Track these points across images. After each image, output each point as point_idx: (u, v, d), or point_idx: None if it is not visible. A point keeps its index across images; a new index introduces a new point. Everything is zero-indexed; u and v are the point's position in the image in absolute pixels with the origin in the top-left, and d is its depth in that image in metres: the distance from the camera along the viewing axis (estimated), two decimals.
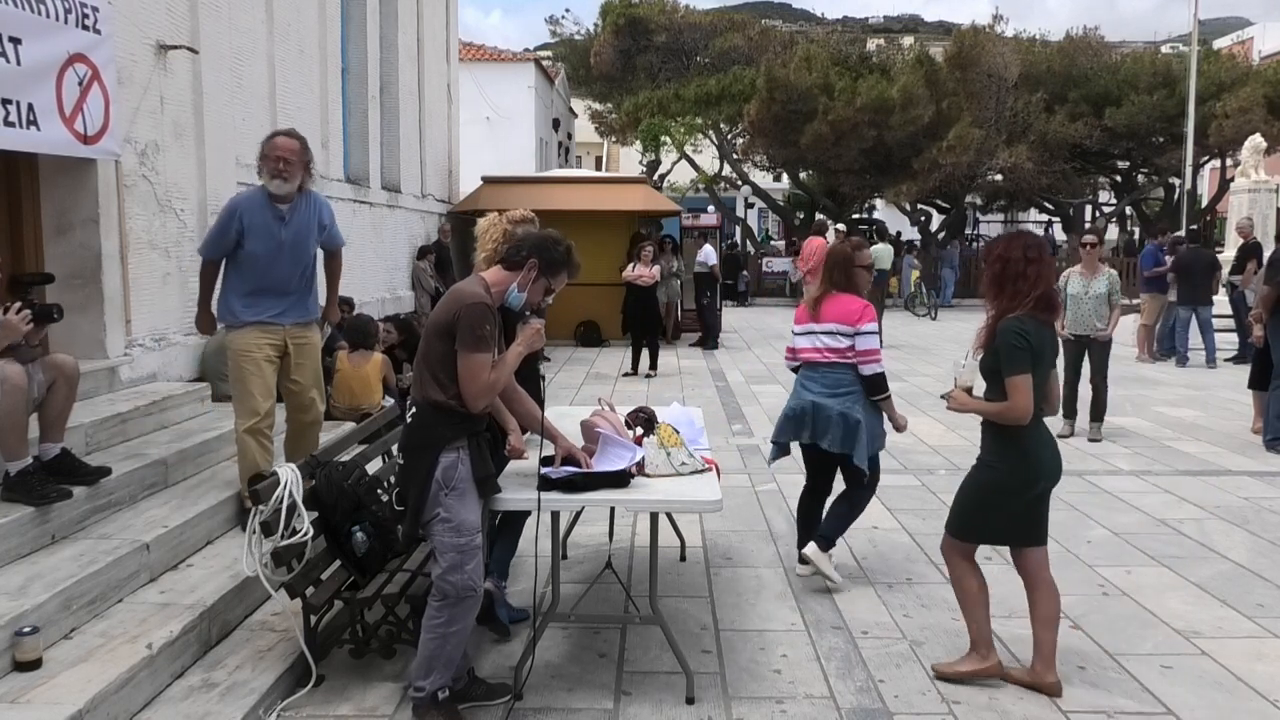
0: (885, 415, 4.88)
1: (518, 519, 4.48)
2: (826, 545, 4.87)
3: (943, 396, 3.95)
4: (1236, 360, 13.15)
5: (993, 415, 3.74)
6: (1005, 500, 3.80)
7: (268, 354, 4.95)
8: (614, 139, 32.75)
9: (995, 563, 5.34)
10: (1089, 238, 8.55)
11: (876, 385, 4.76)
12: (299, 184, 4.93)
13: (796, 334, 4.94)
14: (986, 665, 3.88)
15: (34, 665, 3.35)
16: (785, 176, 31.82)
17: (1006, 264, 3.71)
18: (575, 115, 37.63)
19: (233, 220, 4.88)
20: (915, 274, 23.19)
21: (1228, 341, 13.44)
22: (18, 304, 4.11)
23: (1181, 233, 17.25)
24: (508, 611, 4.37)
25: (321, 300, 5.41)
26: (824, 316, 4.80)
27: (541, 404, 3.98)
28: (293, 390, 5.12)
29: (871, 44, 31.63)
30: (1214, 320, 13.08)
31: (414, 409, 3.50)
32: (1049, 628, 3.81)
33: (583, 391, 11.08)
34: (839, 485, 5.04)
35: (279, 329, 4.98)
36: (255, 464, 4.86)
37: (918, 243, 27.91)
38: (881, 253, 16.42)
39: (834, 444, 4.73)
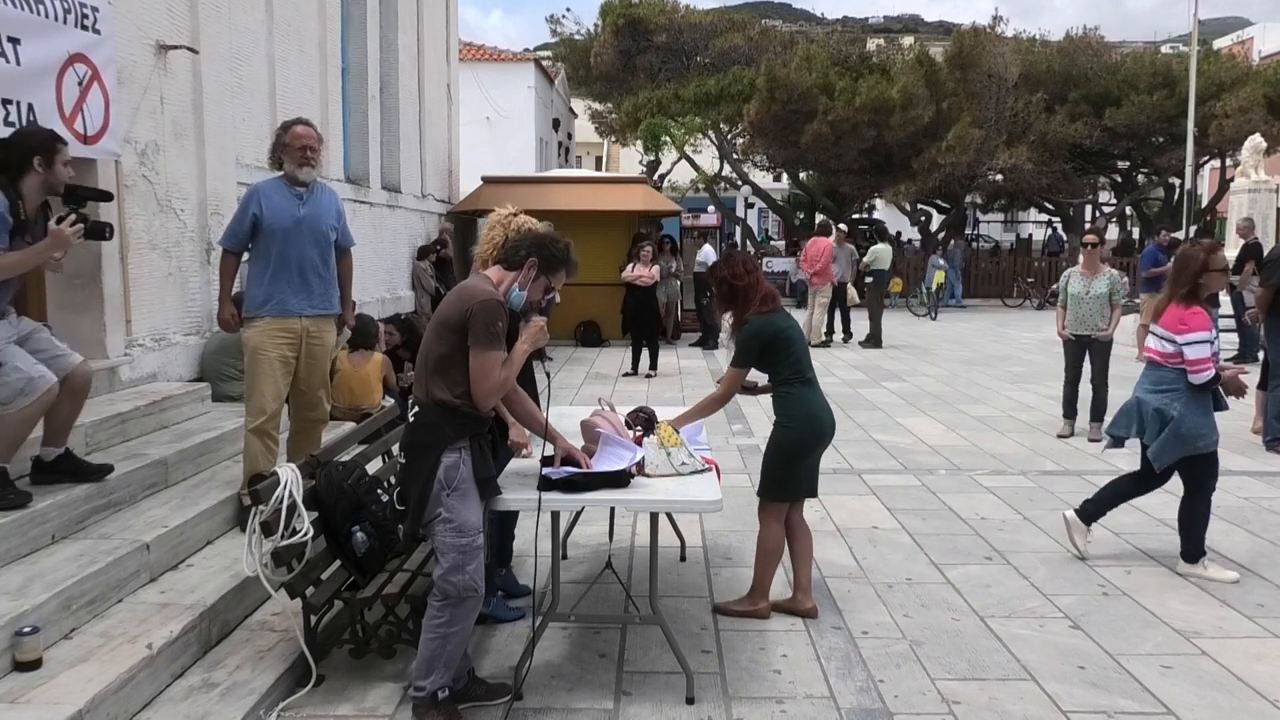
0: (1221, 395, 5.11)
1: (509, 518, 4.50)
2: (1089, 520, 5.39)
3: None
4: (1237, 360, 13.16)
5: (702, 411, 4.53)
6: (803, 454, 4.47)
7: (282, 353, 4.94)
8: (614, 139, 32.73)
9: (995, 562, 5.34)
10: (1090, 237, 8.55)
11: (1206, 388, 5.00)
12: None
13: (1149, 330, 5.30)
14: (756, 608, 4.53)
15: (34, 665, 3.35)
16: (785, 176, 31.82)
17: (732, 282, 4.44)
18: (575, 115, 37.62)
19: (251, 202, 4.92)
20: (940, 275, 22.86)
21: (1228, 342, 13.44)
22: (72, 215, 4.06)
23: (1180, 233, 17.26)
24: (513, 586, 4.39)
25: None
26: (1161, 321, 5.12)
27: (539, 404, 3.98)
28: (300, 389, 5.11)
29: (871, 44, 31.64)
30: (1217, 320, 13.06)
31: (416, 408, 3.49)
32: (806, 563, 4.63)
33: (583, 391, 11.08)
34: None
35: (296, 322, 4.96)
36: (256, 463, 4.88)
37: (945, 243, 27.84)
38: (881, 253, 16.44)
39: (1146, 436, 5.11)
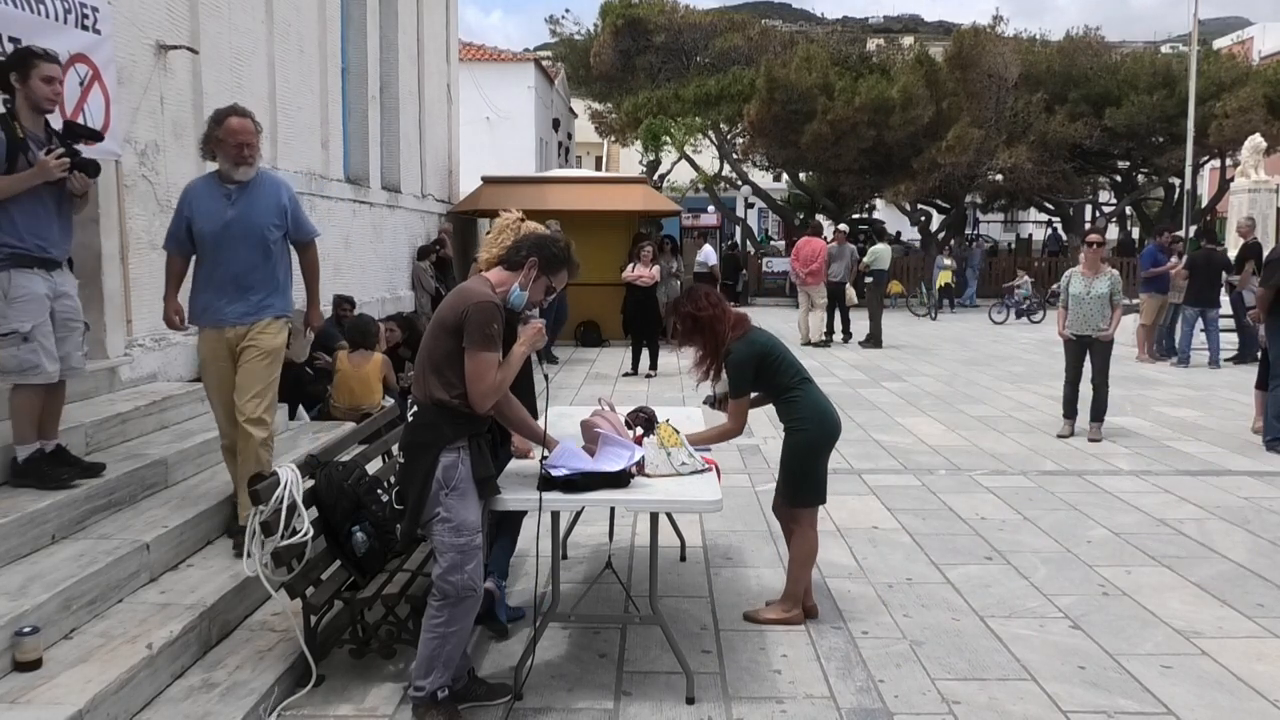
0: None
1: (515, 518, 4.48)
2: None
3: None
4: (1237, 360, 13.16)
5: (715, 439, 4.40)
6: (820, 452, 4.45)
7: (222, 366, 4.60)
8: (614, 139, 32.73)
9: (995, 562, 5.34)
10: (1093, 237, 8.55)
11: None
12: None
13: None
14: (790, 615, 4.47)
15: (34, 665, 3.34)
16: (785, 176, 31.81)
17: (697, 315, 4.40)
18: (575, 115, 37.61)
19: (182, 204, 4.58)
20: (945, 275, 22.85)
21: (1228, 341, 13.45)
22: (60, 150, 4.25)
23: (1180, 232, 17.25)
24: (507, 612, 4.38)
25: (300, 303, 5.08)
26: None
27: (537, 405, 3.98)
28: (236, 396, 4.62)
29: (871, 44, 31.62)
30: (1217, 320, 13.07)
31: (415, 408, 3.49)
32: (806, 567, 4.54)
33: (583, 391, 11.08)
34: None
35: (230, 331, 4.57)
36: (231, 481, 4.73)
37: (954, 241, 27.84)
38: (881, 253, 16.45)
39: None
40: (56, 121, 4.57)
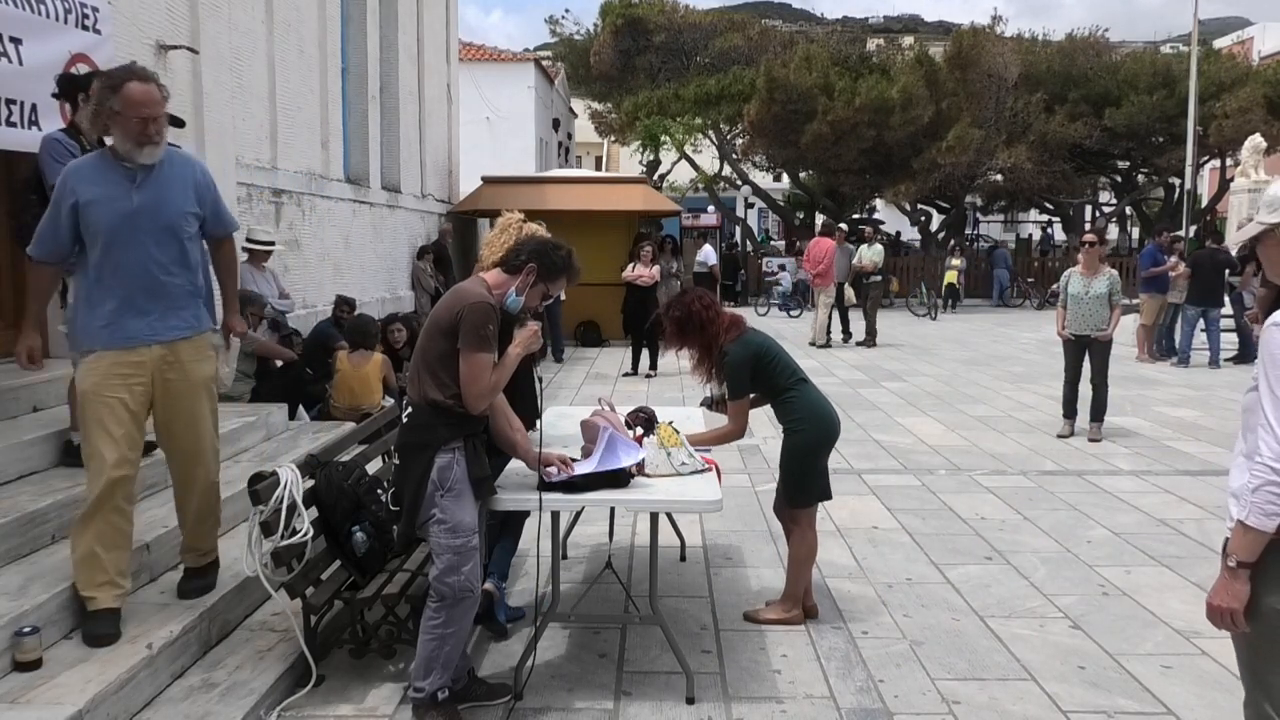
0: None
1: (517, 519, 4.48)
2: None
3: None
4: (1237, 360, 13.16)
5: (716, 440, 4.37)
6: (819, 452, 4.43)
7: (124, 397, 3.62)
8: (614, 139, 32.74)
9: (995, 562, 5.34)
10: (1089, 237, 8.55)
11: None
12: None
13: None
14: (790, 615, 4.47)
15: (34, 665, 3.34)
16: (785, 176, 31.81)
17: (689, 318, 4.37)
18: (575, 115, 37.61)
19: (64, 192, 3.60)
20: (951, 274, 22.92)
21: (1228, 341, 13.45)
22: None
23: (1180, 232, 17.25)
24: (506, 612, 4.38)
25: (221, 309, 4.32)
26: None
27: (538, 412, 3.97)
28: (161, 435, 3.90)
29: (871, 44, 31.62)
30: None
31: (410, 408, 3.49)
32: (806, 568, 4.53)
33: (583, 391, 11.09)
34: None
35: (145, 352, 3.68)
36: (95, 562, 3.55)
37: (960, 240, 27.86)
38: (879, 253, 16.41)
39: None
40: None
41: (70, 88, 4.49)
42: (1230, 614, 2.30)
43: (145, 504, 4.77)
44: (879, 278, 15.96)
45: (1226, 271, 12.98)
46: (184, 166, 3.83)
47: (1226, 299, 13.51)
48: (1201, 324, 13.02)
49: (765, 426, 8.29)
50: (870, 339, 15.60)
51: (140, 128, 3.56)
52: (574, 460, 3.78)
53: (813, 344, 15.41)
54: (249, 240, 8.03)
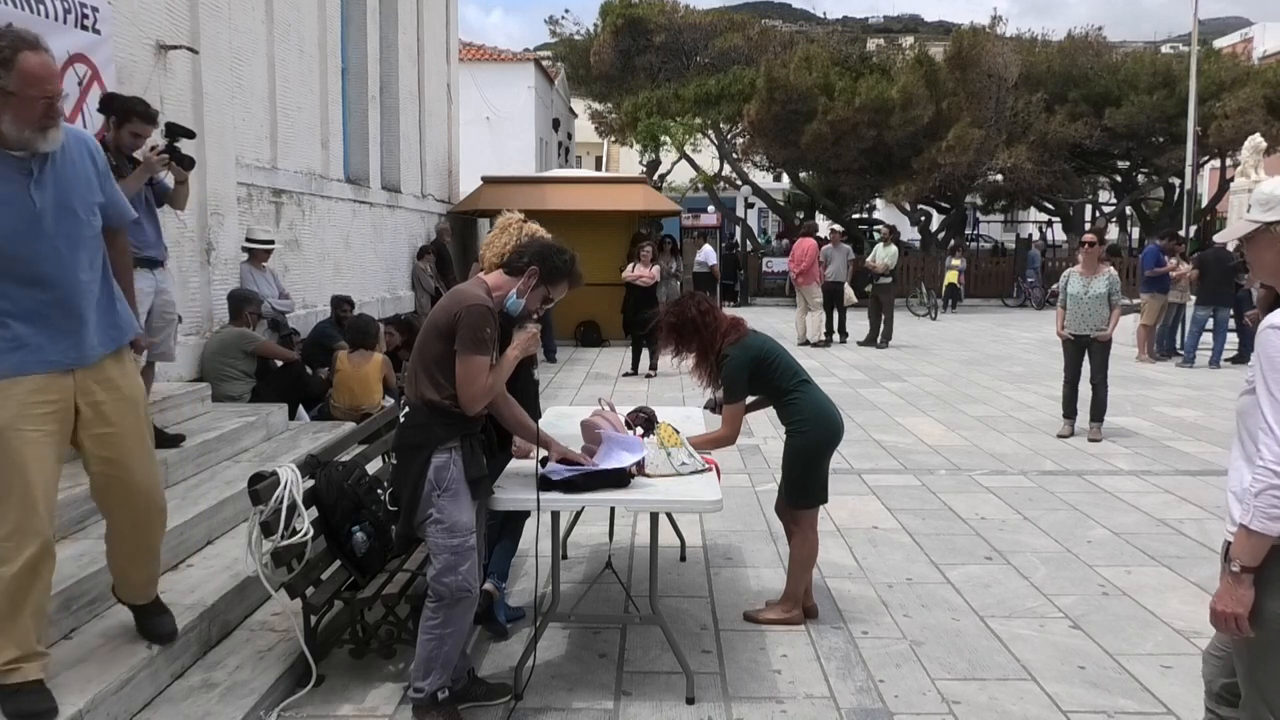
0: None
1: (517, 519, 4.48)
2: None
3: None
4: (1237, 360, 13.15)
5: (708, 444, 4.29)
6: (822, 454, 4.41)
7: (45, 432, 2.99)
8: (614, 139, 32.73)
9: (995, 562, 5.34)
10: (1088, 237, 8.56)
11: None
12: None
13: None
14: (790, 616, 4.46)
15: None
16: (785, 176, 31.81)
17: (684, 323, 4.36)
18: (575, 115, 37.60)
19: None
20: (952, 274, 22.95)
21: (1228, 341, 13.44)
22: (161, 145, 4.97)
23: (1180, 232, 17.23)
24: (506, 612, 4.38)
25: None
26: None
27: (537, 412, 3.96)
28: (101, 470, 3.23)
29: (871, 44, 31.60)
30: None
31: (407, 408, 3.49)
32: (807, 568, 4.52)
33: (583, 391, 11.08)
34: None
35: (65, 380, 3.06)
36: (19, 631, 2.95)
37: (960, 240, 27.86)
38: (893, 254, 16.37)
39: None
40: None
41: (105, 111, 4.94)
42: (1235, 619, 2.30)
43: None
44: (890, 279, 15.85)
45: (1237, 272, 12.96)
46: (77, 147, 3.14)
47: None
48: (1210, 324, 12.98)
49: (766, 426, 8.29)
50: (885, 340, 15.61)
51: (44, 109, 2.90)
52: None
53: (803, 343, 15.45)
54: (249, 240, 8.03)
